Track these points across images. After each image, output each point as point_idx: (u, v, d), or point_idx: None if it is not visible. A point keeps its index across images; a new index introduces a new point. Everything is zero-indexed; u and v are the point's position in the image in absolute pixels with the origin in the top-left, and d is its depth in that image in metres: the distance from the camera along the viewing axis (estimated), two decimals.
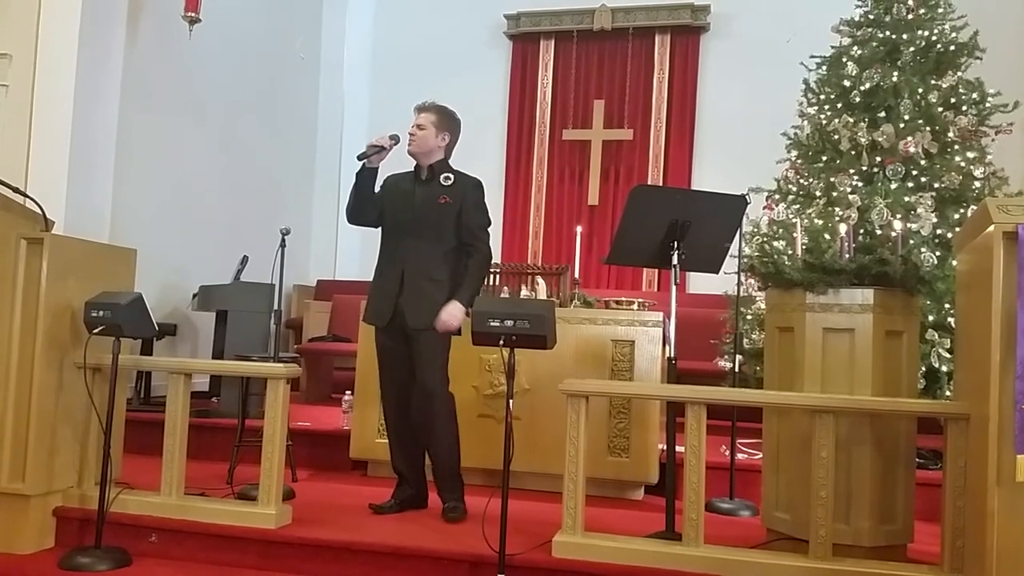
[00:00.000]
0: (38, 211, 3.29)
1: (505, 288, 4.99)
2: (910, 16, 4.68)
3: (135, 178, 5.48)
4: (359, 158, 3.40)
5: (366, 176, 3.44)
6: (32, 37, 4.59)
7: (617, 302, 4.14)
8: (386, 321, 3.46)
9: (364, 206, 3.50)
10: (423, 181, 3.52)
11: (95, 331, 3.08)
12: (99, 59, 4.79)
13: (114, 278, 3.43)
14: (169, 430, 3.24)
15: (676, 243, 3.12)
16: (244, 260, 5.55)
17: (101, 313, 3.06)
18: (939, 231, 4.21)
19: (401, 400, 3.51)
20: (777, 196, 4.84)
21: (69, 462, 3.27)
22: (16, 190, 3.34)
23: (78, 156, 4.62)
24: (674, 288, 3.17)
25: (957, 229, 3.93)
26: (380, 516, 3.40)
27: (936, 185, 4.35)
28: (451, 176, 3.50)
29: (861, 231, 3.97)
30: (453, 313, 3.36)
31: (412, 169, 3.57)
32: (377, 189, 3.54)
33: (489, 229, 3.56)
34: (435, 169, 3.51)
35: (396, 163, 3.54)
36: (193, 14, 5.64)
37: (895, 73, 4.53)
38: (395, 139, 3.43)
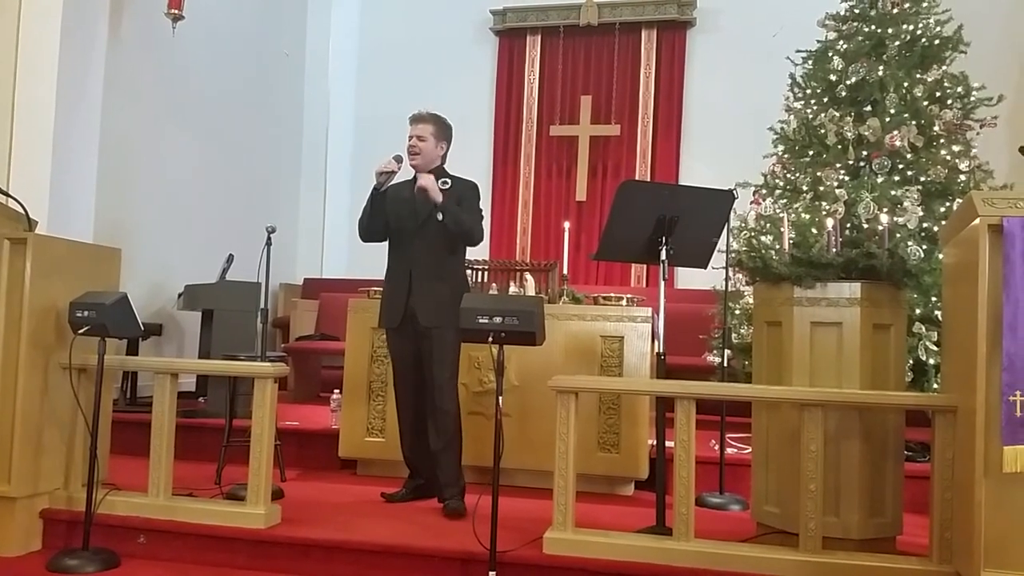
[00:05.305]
0: (21, 211, 3.25)
1: (493, 285, 4.97)
2: (895, 10, 4.68)
3: (119, 177, 5.44)
4: (375, 188, 3.56)
5: (378, 199, 3.59)
6: (13, 35, 4.54)
7: (606, 298, 4.14)
8: (398, 322, 3.58)
9: (376, 226, 3.64)
10: None
11: (80, 331, 3.05)
12: (81, 57, 4.74)
13: (99, 278, 3.41)
14: (156, 431, 3.22)
15: (664, 238, 3.14)
16: (230, 259, 5.51)
17: (86, 313, 3.04)
18: (925, 225, 4.23)
19: (413, 399, 3.64)
20: (764, 191, 4.85)
21: (55, 464, 3.24)
22: None
23: (61, 155, 4.56)
24: (662, 283, 3.18)
25: (943, 222, 3.95)
26: (370, 515, 3.40)
27: (922, 179, 4.37)
28: (448, 180, 3.62)
29: (848, 225, 3.98)
30: (431, 184, 3.45)
31: (412, 178, 3.65)
32: None
33: (483, 224, 3.69)
34: (434, 176, 3.59)
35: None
36: (176, 11, 5.61)
37: (880, 67, 4.54)
38: (399, 159, 3.61)
